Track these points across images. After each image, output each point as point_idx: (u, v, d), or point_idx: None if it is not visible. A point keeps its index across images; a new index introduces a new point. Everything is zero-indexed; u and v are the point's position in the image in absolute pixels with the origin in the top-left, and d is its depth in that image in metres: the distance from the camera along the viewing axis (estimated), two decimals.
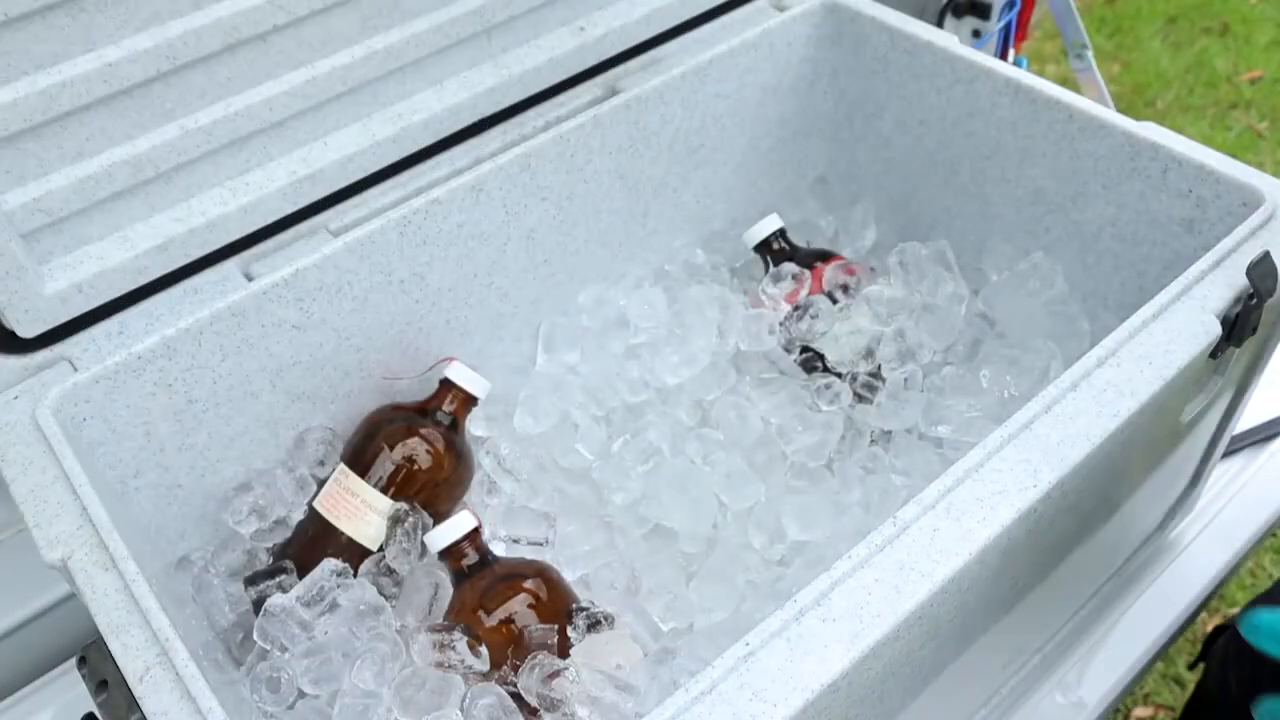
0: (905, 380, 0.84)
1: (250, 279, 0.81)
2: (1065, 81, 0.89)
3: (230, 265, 0.82)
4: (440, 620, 0.73)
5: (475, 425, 0.85)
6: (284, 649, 0.69)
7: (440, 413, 0.80)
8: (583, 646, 0.69)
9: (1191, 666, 0.94)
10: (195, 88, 0.76)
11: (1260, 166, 0.81)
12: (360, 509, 0.76)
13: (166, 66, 0.73)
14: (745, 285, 1.00)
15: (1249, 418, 1.03)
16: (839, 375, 0.87)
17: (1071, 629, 0.83)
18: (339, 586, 0.71)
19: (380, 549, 0.77)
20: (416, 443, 0.78)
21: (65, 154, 0.73)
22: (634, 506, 0.83)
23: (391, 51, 0.83)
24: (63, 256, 0.77)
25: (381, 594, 0.72)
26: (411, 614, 0.73)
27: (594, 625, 0.69)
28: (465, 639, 0.66)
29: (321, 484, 0.79)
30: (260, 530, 0.78)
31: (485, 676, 0.67)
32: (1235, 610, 1.38)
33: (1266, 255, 0.68)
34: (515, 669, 0.68)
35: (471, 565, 0.73)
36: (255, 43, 0.77)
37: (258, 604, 0.72)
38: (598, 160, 0.88)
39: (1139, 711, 1.55)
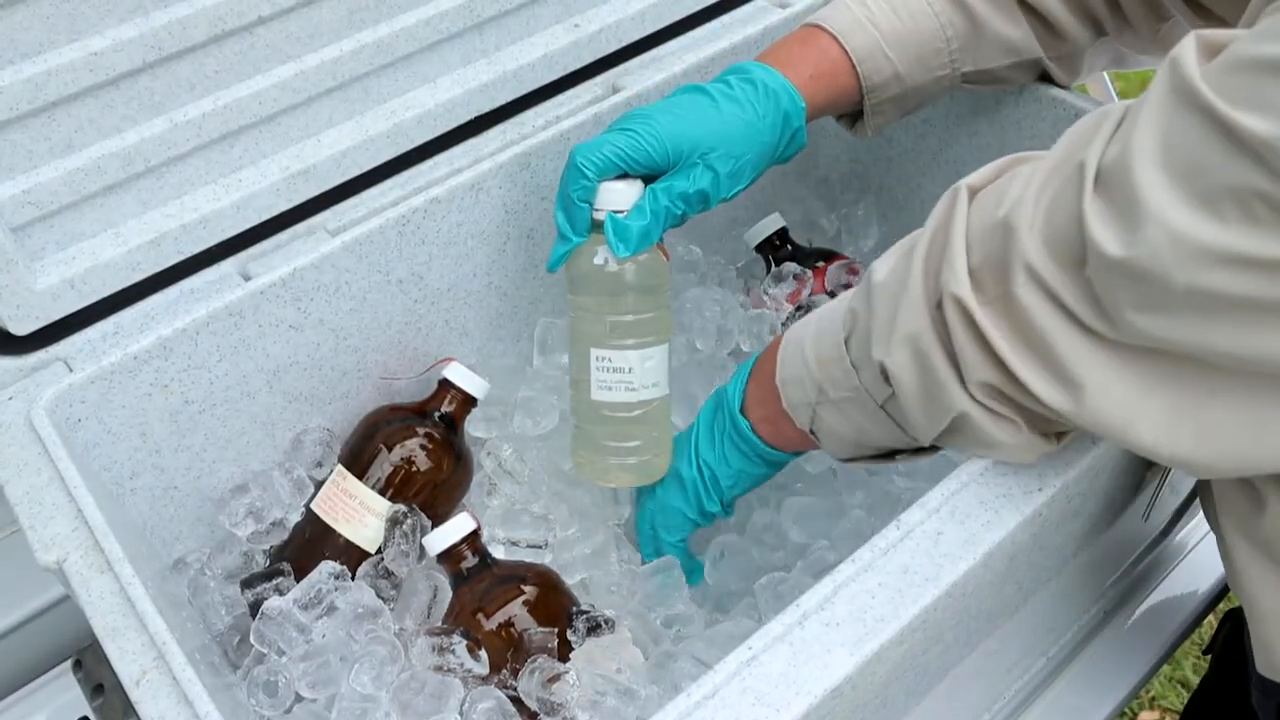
0: None
1: (248, 279, 0.80)
2: None
3: (227, 265, 0.82)
4: (439, 623, 0.72)
5: (474, 426, 0.85)
6: (281, 652, 0.68)
7: (439, 413, 0.80)
8: (583, 650, 0.68)
9: (1206, 652, 0.94)
10: (183, 80, 0.76)
11: None
12: (358, 511, 0.76)
13: (152, 57, 0.73)
14: (747, 285, 0.99)
15: None
16: None
17: (1076, 633, 0.83)
18: (337, 589, 0.70)
19: (378, 551, 0.76)
20: (415, 444, 0.78)
21: (54, 146, 0.73)
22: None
23: (381, 46, 0.83)
24: (55, 253, 0.76)
25: (380, 597, 0.72)
26: (410, 617, 0.73)
27: (595, 628, 0.69)
28: (464, 642, 0.66)
29: (319, 486, 0.79)
30: (257, 532, 0.78)
31: (484, 680, 0.67)
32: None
33: None
34: (515, 672, 0.67)
35: (470, 568, 0.72)
36: (241, 35, 0.77)
37: (255, 607, 0.71)
38: None
39: (1145, 715, 1.54)
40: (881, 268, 0.58)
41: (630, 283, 0.73)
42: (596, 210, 0.72)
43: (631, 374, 0.73)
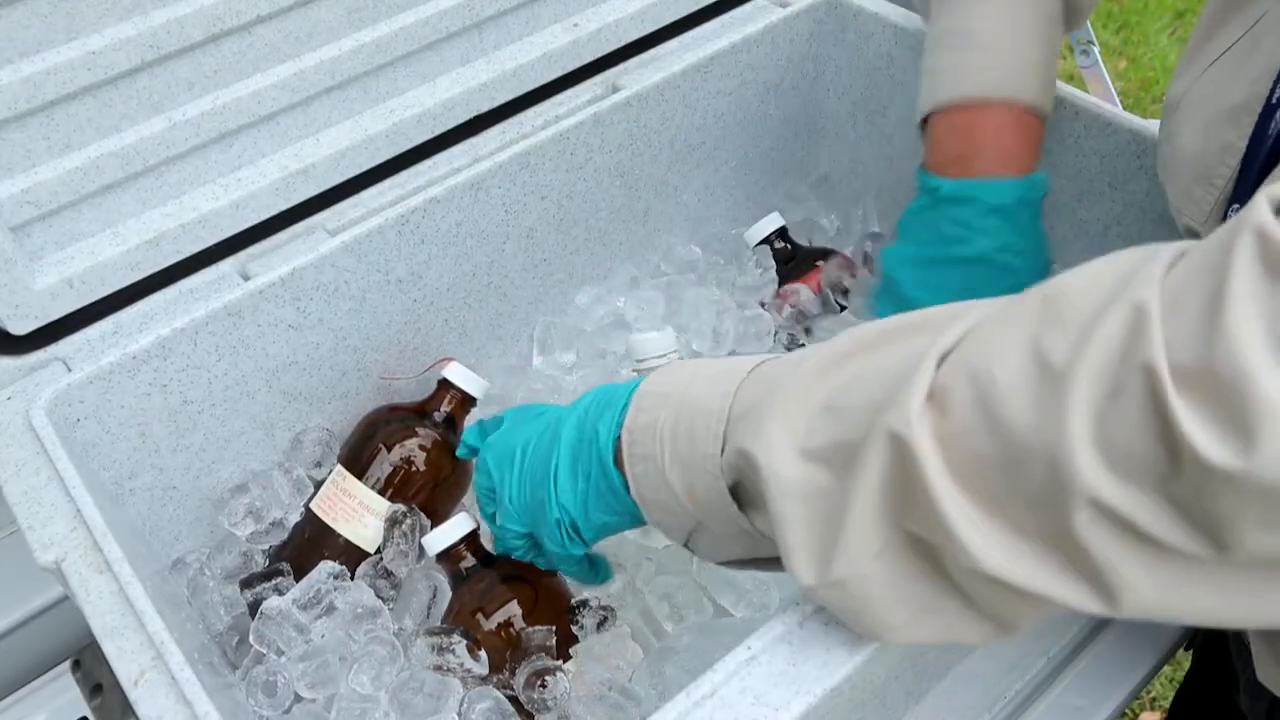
0: None
1: (247, 279, 0.80)
2: (1071, 78, 0.88)
3: (227, 265, 0.82)
4: (438, 623, 0.72)
5: None
6: (280, 652, 0.68)
7: (438, 413, 0.80)
8: (582, 648, 0.68)
9: (1187, 648, 0.93)
10: (181, 79, 0.76)
11: None
12: (357, 511, 0.76)
13: (151, 56, 0.73)
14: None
15: None
16: None
17: (1078, 633, 0.83)
18: (336, 589, 0.70)
19: (378, 551, 0.76)
20: (414, 444, 0.77)
21: (52, 145, 0.73)
22: None
23: (380, 45, 0.83)
24: (54, 252, 0.76)
25: (379, 596, 0.72)
26: (409, 617, 0.73)
27: (596, 621, 0.69)
28: (464, 642, 0.66)
29: (318, 485, 0.78)
30: (256, 532, 0.78)
31: (484, 679, 0.67)
32: None
33: None
34: (514, 672, 0.67)
35: (470, 568, 0.72)
36: (239, 34, 0.77)
37: (254, 607, 0.71)
38: (598, 158, 0.87)
39: (1146, 716, 1.54)
40: (787, 471, 0.46)
41: None
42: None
43: None
